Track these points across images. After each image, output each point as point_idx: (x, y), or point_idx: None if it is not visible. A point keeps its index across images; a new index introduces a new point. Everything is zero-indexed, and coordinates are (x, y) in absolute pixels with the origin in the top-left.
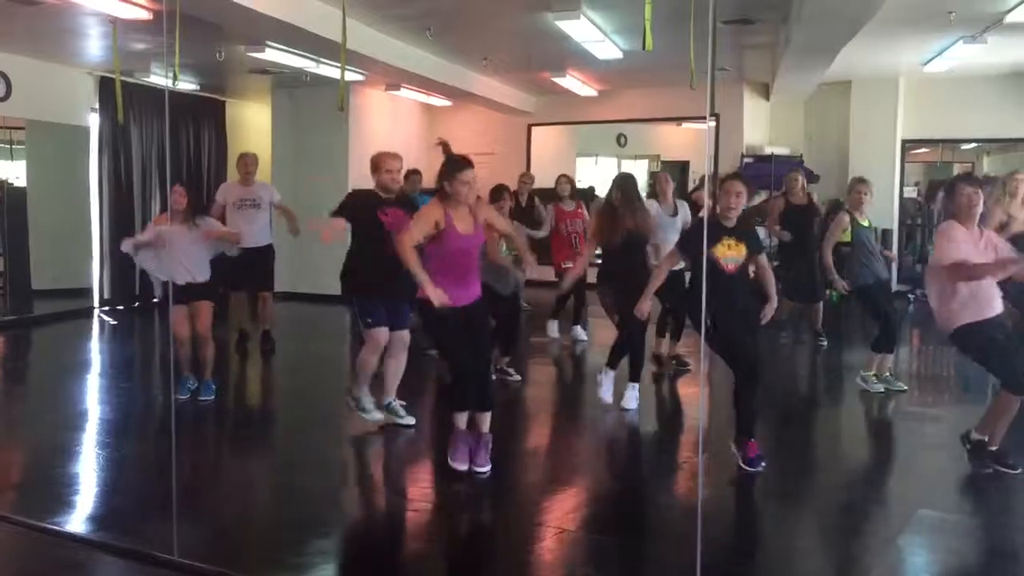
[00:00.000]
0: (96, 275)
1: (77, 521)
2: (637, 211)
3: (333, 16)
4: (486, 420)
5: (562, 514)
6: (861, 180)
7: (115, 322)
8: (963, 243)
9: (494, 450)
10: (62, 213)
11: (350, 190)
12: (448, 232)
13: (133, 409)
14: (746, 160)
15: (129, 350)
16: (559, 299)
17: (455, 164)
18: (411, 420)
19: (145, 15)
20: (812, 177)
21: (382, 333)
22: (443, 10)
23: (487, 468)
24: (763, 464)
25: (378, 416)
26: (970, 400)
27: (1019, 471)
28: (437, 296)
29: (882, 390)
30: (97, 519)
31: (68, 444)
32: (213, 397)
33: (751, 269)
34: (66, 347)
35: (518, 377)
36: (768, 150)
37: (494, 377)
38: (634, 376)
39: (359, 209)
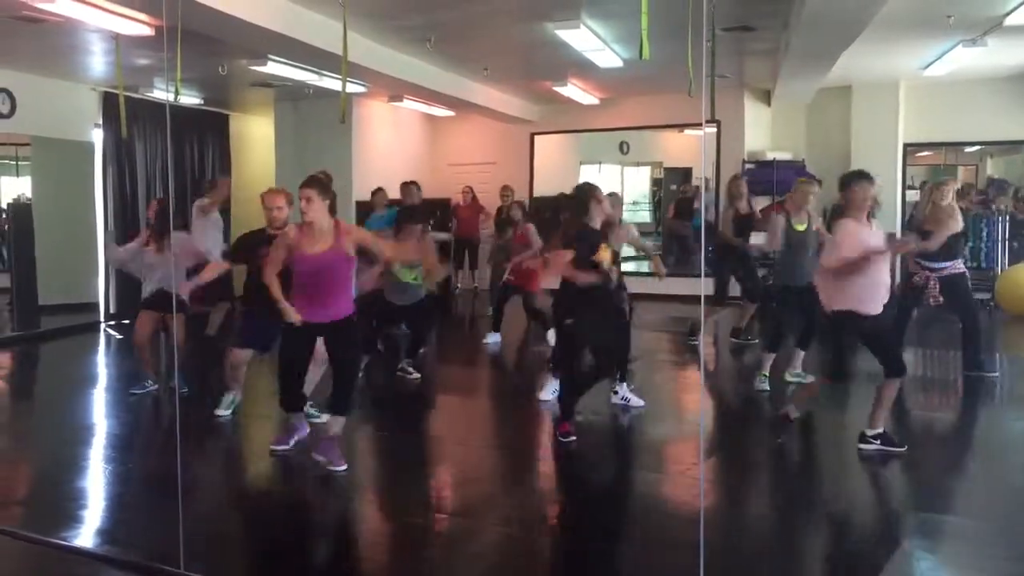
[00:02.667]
0: (102, 289)
1: (84, 535)
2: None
3: (334, 29)
4: (338, 423)
5: (562, 521)
6: (800, 182)
7: (121, 336)
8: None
9: (497, 456)
10: (67, 228)
11: (355, 200)
12: (297, 255)
13: (139, 423)
14: (748, 165)
15: (135, 364)
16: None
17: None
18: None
19: (147, 31)
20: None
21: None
22: (443, 21)
23: (339, 467)
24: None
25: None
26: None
27: (905, 448)
28: (289, 314)
29: (767, 388)
30: (104, 533)
31: (75, 458)
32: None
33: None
34: (73, 362)
35: (417, 375)
36: (770, 155)
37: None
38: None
39: (246, 250)
